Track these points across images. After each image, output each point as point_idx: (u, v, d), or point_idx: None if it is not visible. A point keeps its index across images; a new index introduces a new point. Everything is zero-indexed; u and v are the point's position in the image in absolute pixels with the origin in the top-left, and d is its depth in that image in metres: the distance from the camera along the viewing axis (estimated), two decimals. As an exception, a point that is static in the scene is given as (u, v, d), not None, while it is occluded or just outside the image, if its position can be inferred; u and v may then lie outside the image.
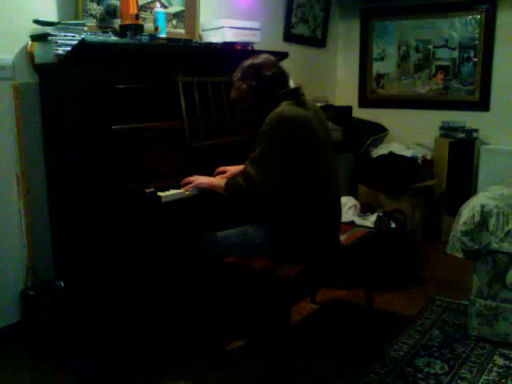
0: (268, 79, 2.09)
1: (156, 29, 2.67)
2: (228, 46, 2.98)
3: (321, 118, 2.16)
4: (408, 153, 4.14)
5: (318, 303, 2.98)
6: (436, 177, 4.17)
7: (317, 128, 2.08)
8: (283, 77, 2.14)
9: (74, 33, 2.29)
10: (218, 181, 2.23)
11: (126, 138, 2.17)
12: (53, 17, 2.42)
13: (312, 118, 2.07)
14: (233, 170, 2.37)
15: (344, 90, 4.88)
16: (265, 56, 2.15)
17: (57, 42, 2.22)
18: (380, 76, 4.70)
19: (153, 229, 2.19)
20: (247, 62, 2.13)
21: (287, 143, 1.99)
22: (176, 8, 3.07)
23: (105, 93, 2.13)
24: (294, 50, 3.92)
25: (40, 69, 2.36)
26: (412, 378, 2.22)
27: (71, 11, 2.49)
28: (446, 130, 4.18)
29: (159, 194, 2.11)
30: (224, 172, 2.39)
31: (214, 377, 2.23)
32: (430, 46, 4.39)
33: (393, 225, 3.30)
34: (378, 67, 4.70)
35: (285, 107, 2.02)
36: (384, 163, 4.01)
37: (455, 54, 4.28)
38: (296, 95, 2.11)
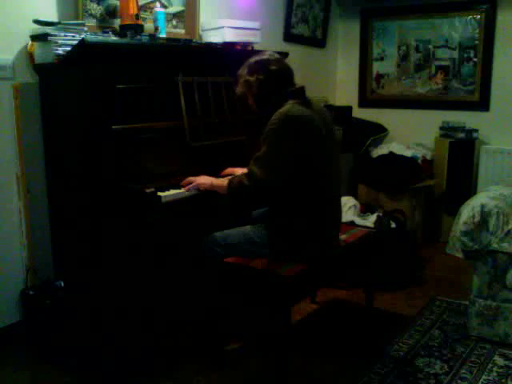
0: (275, 73, 2.11)
1: (156, 29, 2.68)
2: (228, 46, 2.98)
3: (326, 119, 2.16)
4: (408, 153, 4.14)
5: (318, 303, 2.98)
6: (436, 177, 4.17)
7: (321, 128, 2.08)
8: (289, 72, 2.16)
9: (74, 33, 2.29)
10: (220, 181, 2.23)
11: (126, 138, 2.17)
12: (53, 17, 2.42)
13: (317, 119, 2.07)
14: (240, 172, 2.33)
15: (344, 90, 4.88)
16: (270, 53, 2.19)
17: (57, 42, 2.22)
18: (380, 76, 4.70)
19: (153, 229, 2.19)
20: (253, 59, 2.15)
21: (292, 143, 1.98)
22: (176, 8, 3.07)
23: (105, 93, 2.13)
24: (294, 49, 3.92)
25: (40, 69, 2.36)
26: (412, 378, 2.21)
27: (71, 11, 2.49)
28: (446, 130, 4.18)
29: (159, 194, 2.11)
30: (231, 174, 2.38)
31: (213, 377, 2.23)
32: (430, 46, 4.39)
33: (393, 225, 3.30)
34: (378, 67, 4.69)
35: (290, 106, 2.02)
36: (384, 163, 4.01)
37: (455, 53, 4.28)
38: (302, 94, 2.12)
